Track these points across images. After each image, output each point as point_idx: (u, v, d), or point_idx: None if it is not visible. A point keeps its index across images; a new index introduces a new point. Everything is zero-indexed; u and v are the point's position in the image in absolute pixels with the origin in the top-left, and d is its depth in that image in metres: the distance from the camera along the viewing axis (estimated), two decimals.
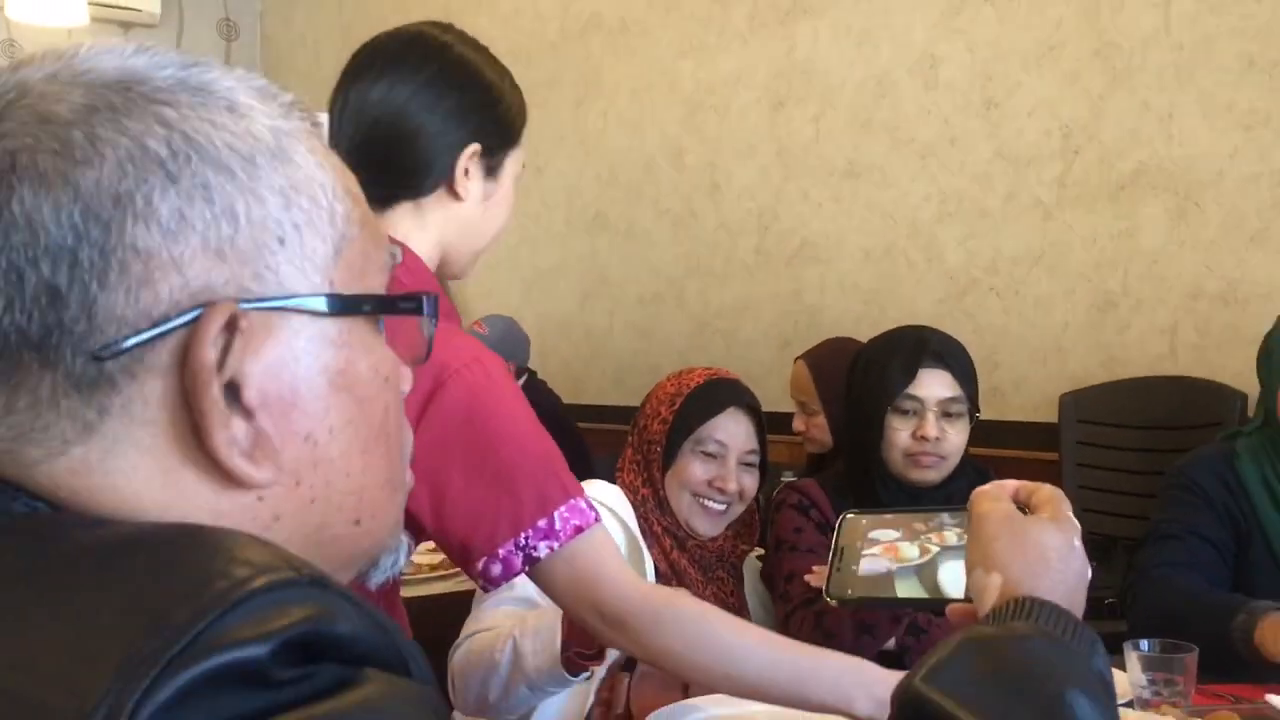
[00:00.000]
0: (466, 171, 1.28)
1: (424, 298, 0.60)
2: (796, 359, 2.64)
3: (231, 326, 0.52)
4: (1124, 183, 2.91)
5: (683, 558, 1.82)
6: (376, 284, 0.59)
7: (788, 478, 2.46)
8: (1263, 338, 1.94)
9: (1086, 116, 2.97)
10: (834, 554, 1.14)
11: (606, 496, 1.78)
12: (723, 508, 1.84)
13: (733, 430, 1.84)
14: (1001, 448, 3.08)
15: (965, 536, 0.89)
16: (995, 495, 0.87)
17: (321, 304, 0.55)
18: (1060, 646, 0.72)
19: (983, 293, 3.21)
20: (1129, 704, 1.47)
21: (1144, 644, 1.50)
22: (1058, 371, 3.04)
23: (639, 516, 1.81)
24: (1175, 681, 1.47)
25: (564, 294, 4.46)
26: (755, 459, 1.87)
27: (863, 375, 1.90)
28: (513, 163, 1.34)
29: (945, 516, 1.12)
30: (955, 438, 1.84)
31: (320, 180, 0.56)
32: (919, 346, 1.88)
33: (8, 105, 0.53)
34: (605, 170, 4.30)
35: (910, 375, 1.84)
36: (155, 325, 0.51)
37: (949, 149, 3.27)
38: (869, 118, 3.47)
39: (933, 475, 1.84)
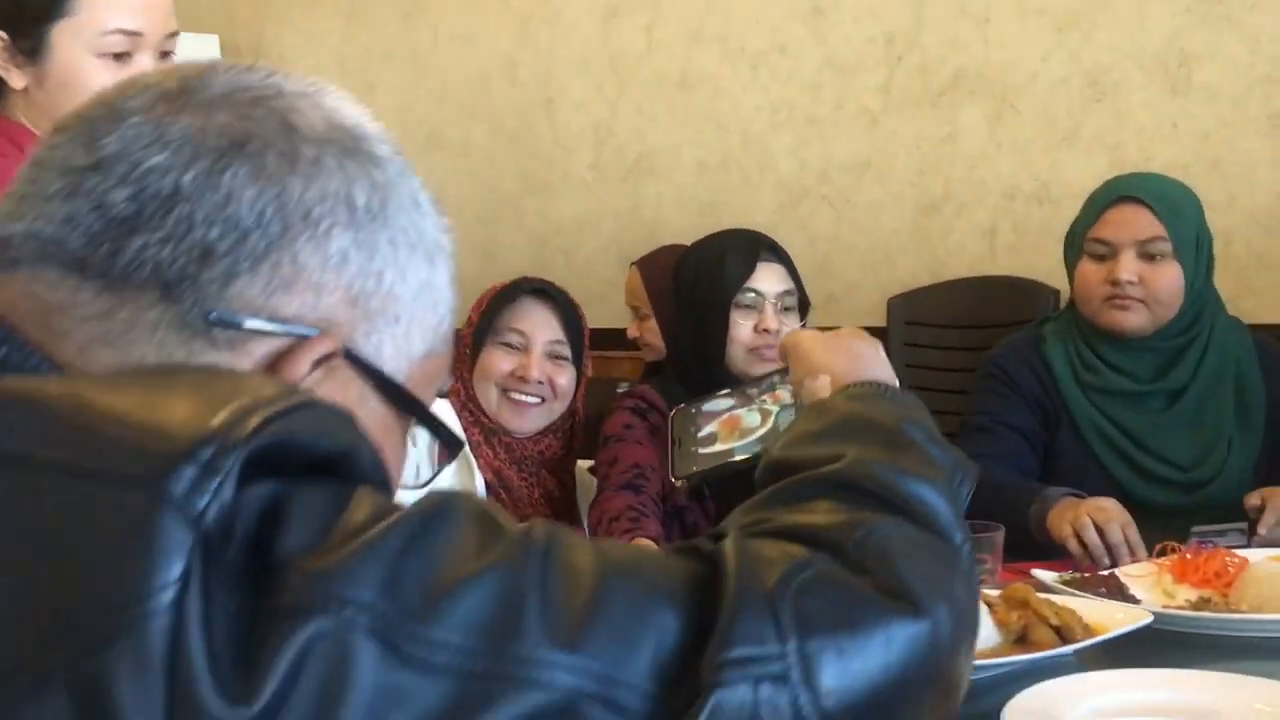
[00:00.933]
0: (6, 67, 1.29)
1: (457, 443, 0.69)
2: (630, 265, 2.65)
3: (324, 360, 0.58)
4: (944, 88, 2.96)
5: (506, 465, 1.81)
6: (428, 398, 0.66)
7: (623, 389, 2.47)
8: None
9: (909, 23, 3.00)
10: (672, 444, 1.13)
11: (440, 413, 1.75)
12: (534, 401, 1.81)
13: (534, 319, 1.83)
14: None
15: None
16: (802, 328, 0.95)
17: (394, 388, 0.62)
18: (897, 400, 0.79)
19: (815, 202, 3.25)
20: None
21: None
22: (887, 277, 3.12)
23: (463, 427, 1.79)
24: (984, 560, 1.53)
25: None
26: (565, 351, 1.84)
27: (694, 275, 1.90)
28: (65, 34, 1.28)
29: (775, 378, 1.12)
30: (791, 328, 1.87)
31: (446, 297, 0.65)
32: (754, 242, 1.89)
33: (263, 98, 0.60)
34: (437, 87, 4.18)
35: (749, 269, 1.84)
36: (277, 322, 0.57)
37: (779, 58, 3.27)
38: (700, 27, 3.44)
39: (774, 368, 1.86)
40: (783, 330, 1.82)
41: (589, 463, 2.00)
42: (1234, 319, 2.00)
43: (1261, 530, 1.68)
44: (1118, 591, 1.43)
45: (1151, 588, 1.47)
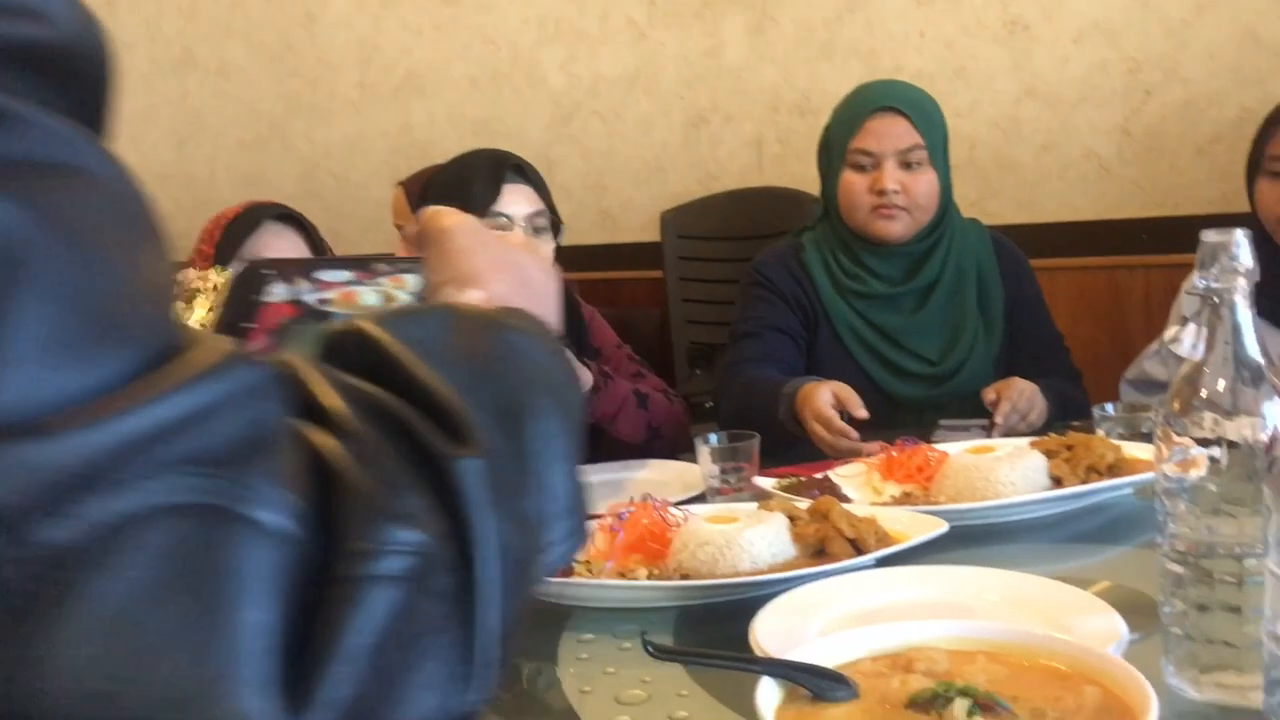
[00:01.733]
0: None
1: None
2: (395, 185, 2.60)
3: None
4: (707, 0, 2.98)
5: None
6: None
7: None
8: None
9: None
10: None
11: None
12: None
13: (276, 247, 1.80)
14: (613, 270, 3.17)
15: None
16: (453, 210, 0.82)
17: None
18: (547, 350, 0.62)
19: (586, 117, 3.23)
20: (701, 496, 1.57)
21: (711, 437, 1.60)
22: (660, 191, 3.14)
23: None
24: (741, 468, 1.58)
25: (156, 142, 4.09)
26: None
27: (442, 198, 1.86)
28: None
29: (410, 264, 0.90)
30: (545, 252, 1.85)
31: None
32: (498, 163, 1.86)
33: None
34: (185, 2, 3.92)
35: (495, 193, 1.82)
36: None
37: None
38: None
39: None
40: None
41: None
42: (970, 219, 2.11)
43: (998, 420, 1.77)
44: (831, 492, 1.45)
45: (861, 486, 1.52)
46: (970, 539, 1.30)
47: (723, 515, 1.29)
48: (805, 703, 0.74)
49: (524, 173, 1.86)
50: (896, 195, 1.95)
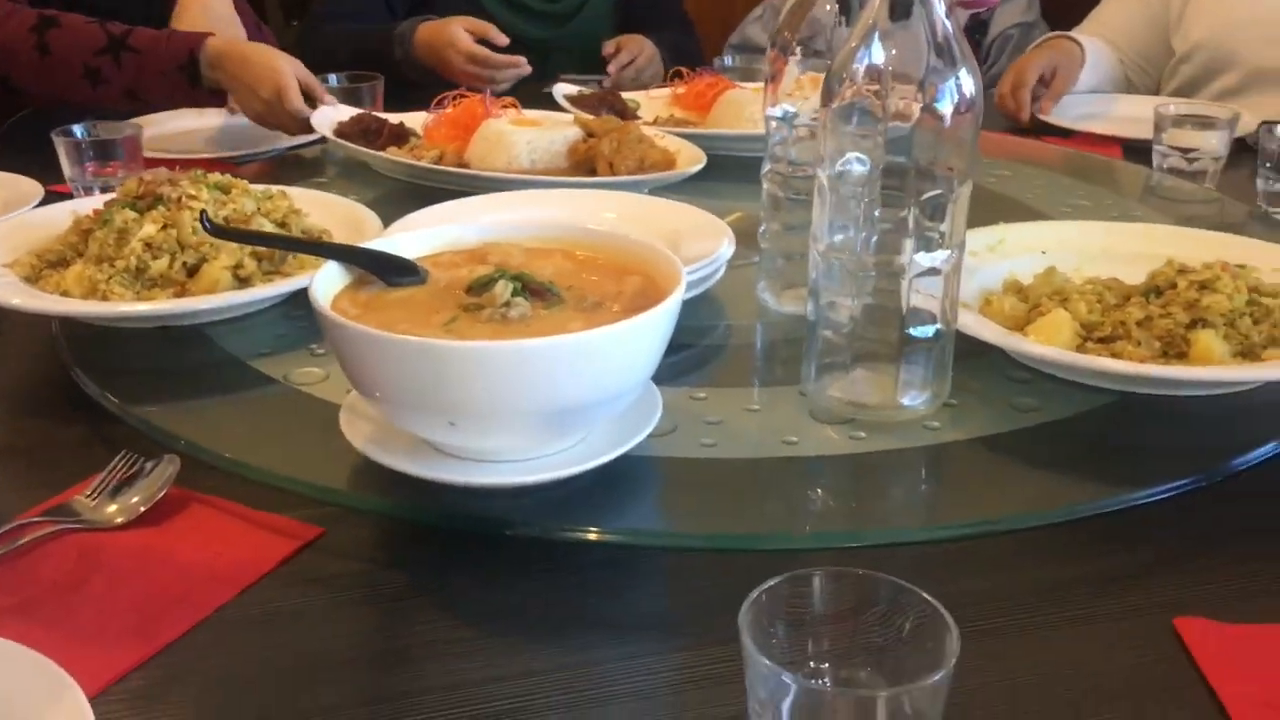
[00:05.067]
0: None
1: None
2: None
3: None
4: None
5: None
6: None
7: None
8: None
9: None
10: None
11: None
12: None
13: None
14: None
15: None
16: None
17: None
18: None
19: None
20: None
21: (331, 78, 1.59)
22: None
23: None
24: (364, 105, 1.56)
25: None
26: None
27: None
28: None
29: None
30: None
31: None
32: None
33: None
34: None
35: None
36: None
37: None
38: None
39: None
40: None
41: None
42: None
43: (611, 70, 1.90)
44: (622, 111, 1.55)
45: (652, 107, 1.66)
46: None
47: (531, 120, 1.41)
48: (371, 288, 0.76)
49: None
50: None
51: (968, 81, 0.74)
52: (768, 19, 2.14)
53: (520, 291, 0.72)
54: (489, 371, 0.65)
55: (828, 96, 0.77)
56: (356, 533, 0.73)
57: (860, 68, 0.75)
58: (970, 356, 0.85)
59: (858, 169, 0.78)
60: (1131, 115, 1.75)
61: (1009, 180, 1.43)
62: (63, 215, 1.05)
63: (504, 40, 1.72)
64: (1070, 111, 1.80)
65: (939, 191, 0.77)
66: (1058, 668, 0.61)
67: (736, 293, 1.04)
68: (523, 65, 1.72)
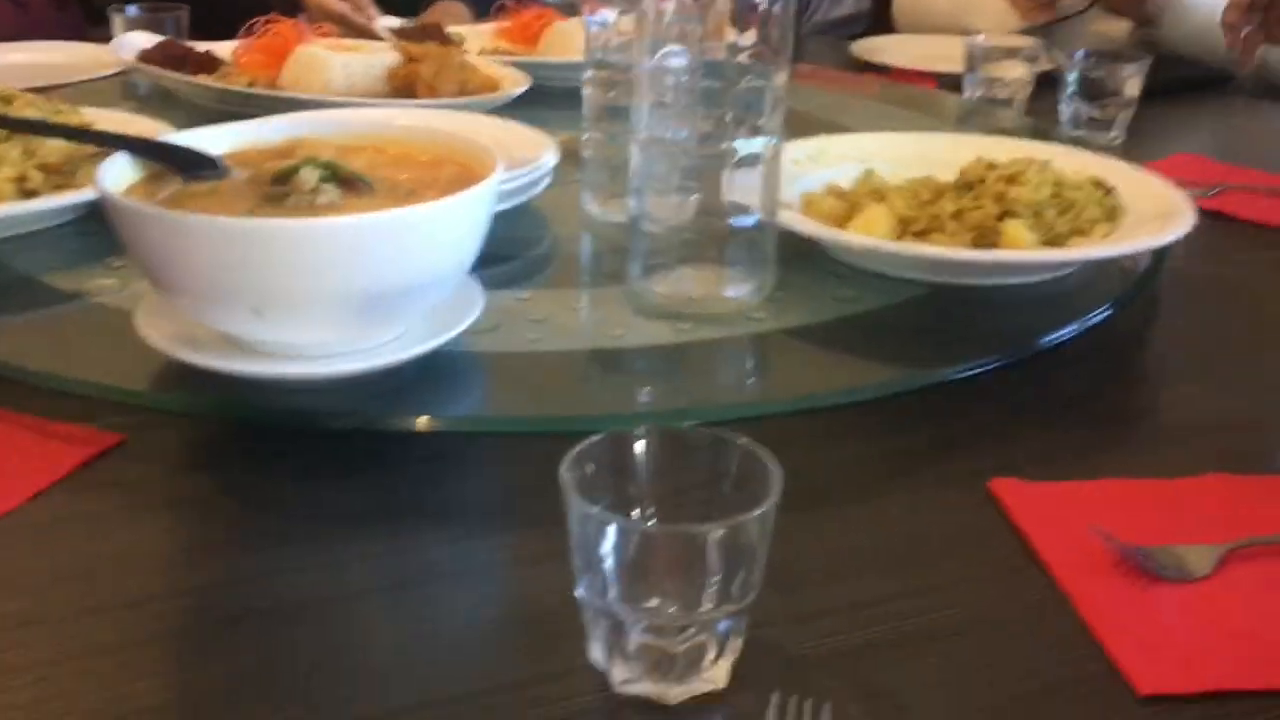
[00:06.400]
0: None
1: None
2: None
3: None
4: None
5: None
6: None
7: None
8: None
9: None
10: None
11: None
12: None
13: None
14: None
15: None
16: None
17: None
18: None
19: None
20: None
21: (130, 9, 1.54)
22: None
23: None
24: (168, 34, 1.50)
25: None
26: None
27: None
28: None
29: None
30: None
31: None
32: None
33: None
34: None
35: None
36: None
37: None
38: None
39: None
40: None
41: None
42: None
43: None
44: (445, 41, 1.49)
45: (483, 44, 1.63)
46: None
47: (349, 45, 1.39)
48: (168, 185, 0.71)
49: None
50: None
51: None
52: None
53: (329, 179, 0.69)
54: (296, 254, 0.62)
55: None
56: (163, 437, 0.69)
57: None
58: (794, 257, 0.86)
59: (676, 61, 0.77)
60: (944, 54, 1.81)
61: (829, 106, 1.45)
62: None
63: None
64: (887, 53, 1.84)
65: (757, 80, 0.77)
66: (884, 531, 0.62)
67: (562, 210, 1.03)
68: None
